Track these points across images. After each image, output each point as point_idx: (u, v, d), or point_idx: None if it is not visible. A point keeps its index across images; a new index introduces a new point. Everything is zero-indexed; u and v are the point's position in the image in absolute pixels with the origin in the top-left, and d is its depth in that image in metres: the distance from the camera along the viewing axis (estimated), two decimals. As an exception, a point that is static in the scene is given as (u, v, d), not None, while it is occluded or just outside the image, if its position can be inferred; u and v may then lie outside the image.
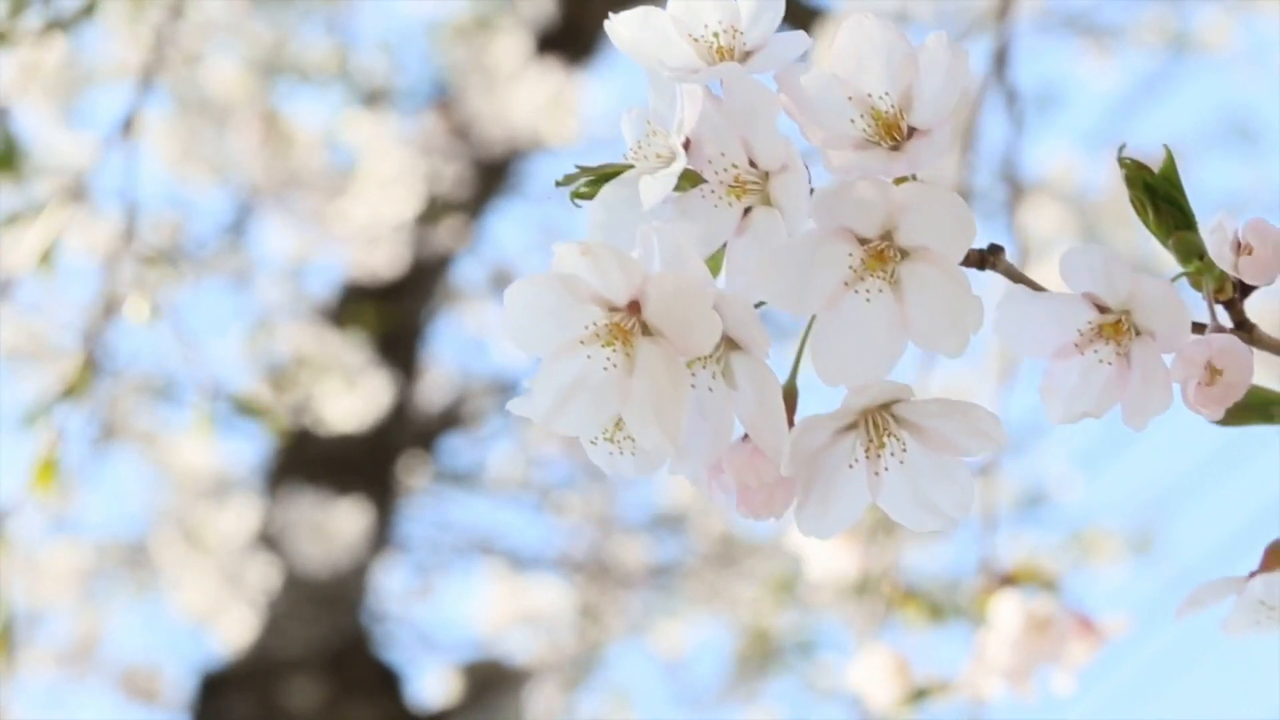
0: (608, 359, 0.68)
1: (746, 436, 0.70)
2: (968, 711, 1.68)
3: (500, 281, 4.80)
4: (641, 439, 0.68)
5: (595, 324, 0.68)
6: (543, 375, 0.68)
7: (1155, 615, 4.47)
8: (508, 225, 5.84)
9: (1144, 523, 4.79)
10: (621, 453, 0.70)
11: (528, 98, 4.27)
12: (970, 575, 1.73)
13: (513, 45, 4.30)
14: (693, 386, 0.69)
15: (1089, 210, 4.26)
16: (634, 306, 0.68)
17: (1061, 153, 4.40)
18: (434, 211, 4.40)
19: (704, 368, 0.69)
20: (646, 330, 0.68)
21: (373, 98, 4.44)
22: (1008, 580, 1.66)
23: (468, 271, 4.89)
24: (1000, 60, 2.10)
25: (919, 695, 1.70)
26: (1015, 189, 2.20)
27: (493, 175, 4.60)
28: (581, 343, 0.68)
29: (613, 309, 0.68)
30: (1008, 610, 1.59)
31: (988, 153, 2.34)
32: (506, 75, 4.27)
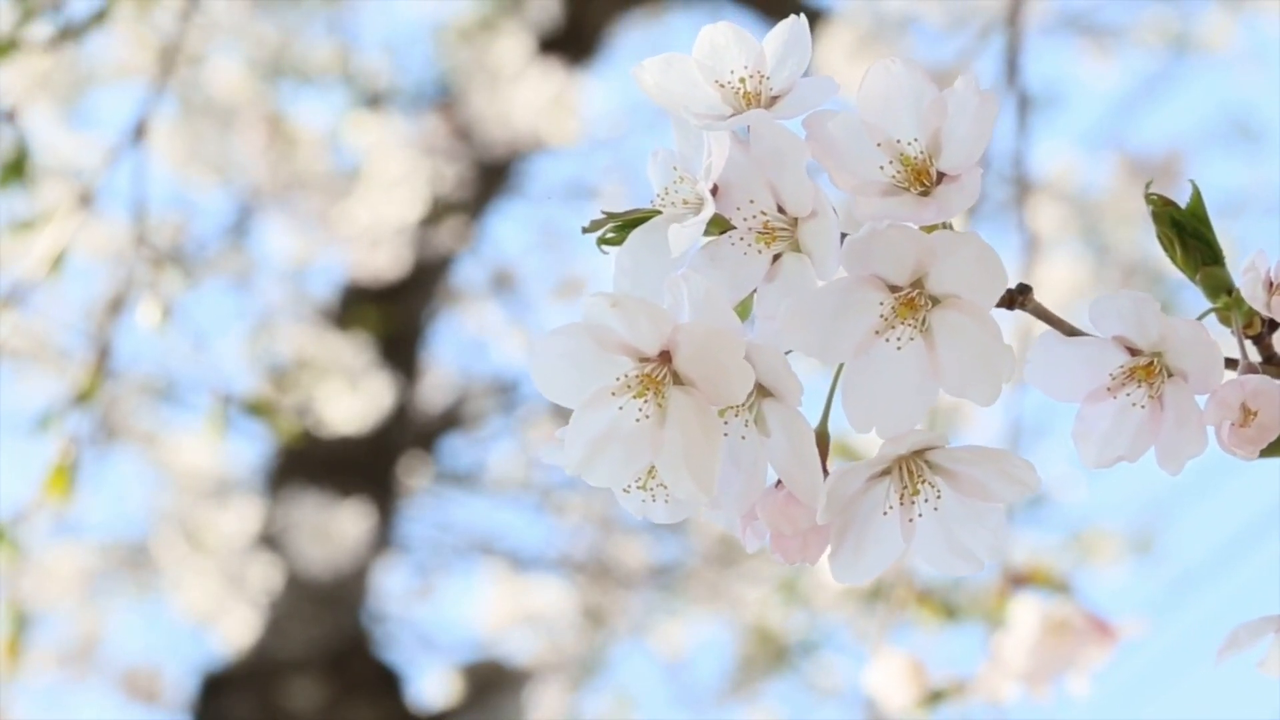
0: (639, 409, 0.67)
1: (779, 483, 0.70)
2: (983, 713, 1.67)
3: (501, 282, 4.79)
4: (675, 489, 0.67)
5: (626, 375, 0.68)
6: (574, 426, 0.67)
7: (1156, 615, 4.47)
8: (509, 226, 5.82)
9: (1145, 523, 4.79)
10: (654, 500, 0.69)
11: (529, 99, 4.26)
12: (983, 576, 1.72)
13: (514, 46, 4.29)
14: (725, 435, 0.68)
15: (1090, 210, 4.26)
16: (665, 356, 0.67)
17: (1063, 152, 4.39)
18: (436, 212, 4.39)
19: (736, 416, 0.69)
20: (678, 380, 0.67)
21: (375, 99, 4.44)
22: (1021, 581, 1.65)
23: (469, 272, 4.88)
24: (1011, 64, 2.09)
25: (935, 697, 1.69)
26: (1022, 189, 2.19)
27: (494, 176, 4.59)
28: (613, 394, 0.68)
29: (643, 359, 0.67)
30: (1025, 613, 1.58)
31: (990, 153, 2.33)
32: (508, 76, 4.26)
